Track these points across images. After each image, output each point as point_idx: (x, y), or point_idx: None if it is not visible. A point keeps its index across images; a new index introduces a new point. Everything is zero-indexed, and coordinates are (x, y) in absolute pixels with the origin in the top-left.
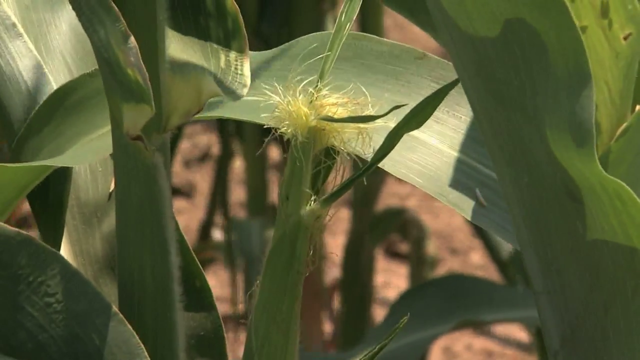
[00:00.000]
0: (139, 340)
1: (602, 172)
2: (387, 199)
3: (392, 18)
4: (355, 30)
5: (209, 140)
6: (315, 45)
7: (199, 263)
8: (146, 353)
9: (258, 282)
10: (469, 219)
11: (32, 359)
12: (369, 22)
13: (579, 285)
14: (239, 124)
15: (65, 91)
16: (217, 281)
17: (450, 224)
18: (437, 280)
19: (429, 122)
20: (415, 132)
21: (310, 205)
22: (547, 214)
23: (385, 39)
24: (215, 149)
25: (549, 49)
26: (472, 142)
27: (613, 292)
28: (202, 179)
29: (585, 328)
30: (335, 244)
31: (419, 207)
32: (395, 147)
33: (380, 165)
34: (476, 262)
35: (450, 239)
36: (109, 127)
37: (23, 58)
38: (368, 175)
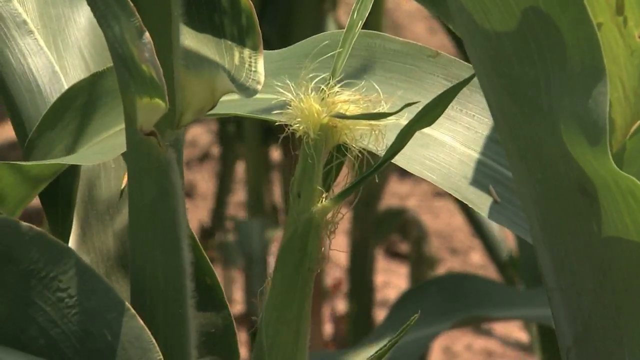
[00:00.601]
0: (151, 336)
1: (615, 169)
2: (387, 199)
3: (391, 18)
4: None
5: (209, 140)
6: (326, 43)
7: (209, 261)
8: (158, 348)
9: (268, 280)
10: (484, 215)
11: (44, 354)
12: (369, 21)
13: (590, 283)
14: (240, 125)
15: (75, 91)
16: None
17: (450, 224)
18: (437, 279)
19: (442, 119)
20: (428, 130)
21: (321, 202)
22: (561, 211)
23: (397, 37)
24: (216, 149)
25: (565, 44)
26: (485, 139)
27: (625, 291)
28: (202, 179)
29: (596, 326)
30: (335, 243)
31: (419, 207)
32: (409, 144)
33: (394, 161)
34: (476, 262)
35: (450, 239)
36: (119, 127)
37: (34, 55)
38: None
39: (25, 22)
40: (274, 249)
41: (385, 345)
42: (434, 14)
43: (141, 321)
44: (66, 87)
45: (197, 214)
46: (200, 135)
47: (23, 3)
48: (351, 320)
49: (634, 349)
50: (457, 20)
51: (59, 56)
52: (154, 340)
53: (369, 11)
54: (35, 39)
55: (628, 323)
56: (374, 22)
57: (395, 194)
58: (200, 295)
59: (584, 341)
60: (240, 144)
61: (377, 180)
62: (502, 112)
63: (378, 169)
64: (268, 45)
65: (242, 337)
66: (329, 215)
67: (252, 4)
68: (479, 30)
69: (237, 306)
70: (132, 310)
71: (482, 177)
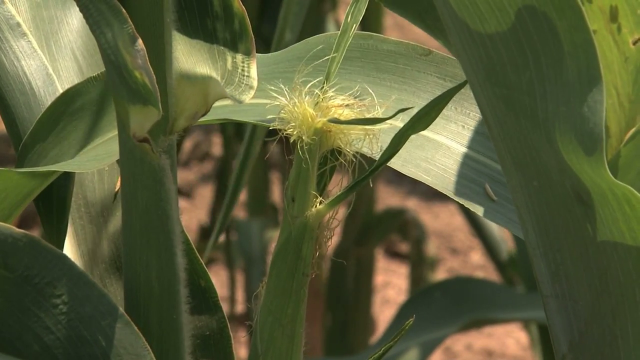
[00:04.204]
0: (146, 342)
1: (611, 178)
2: (387, 199)
3: (392, 18)
4: (356, 31)
5: (209, 140)
6: (321, 46)
7: (203, 263)
8: (152, 355)
9: (263, 283)
10: (480, 214)
11: None
12: (369, 22)
13: (587, 290)
14: (239, 125)
15: (70, 96)
16: (217, 281)
17: (450, 224)
18: (441, 284)
19: (437, 119)
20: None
21: (316, 206)
22: (557, 218)
23: (390, 37)
24: (216, 149)
25: (561, 51)
26: (481, 138)
27: (621, 298)
28: (202, 179)
29: (593, 333)
30: (334, 244)
31: (419, 207)
32: (404, 146)
33: (388, 163)
34: (476, 262)
35: (450, 239)
36: (113, 133)
37: (27, 58)
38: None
39: (18, 24)
40: (272, 249)
41: (380, 350)
42: (421, 28)
43: (135, 327)
44: (60, 90)
45: (196, 214)
46: (200, 136)
47: (16, 5)
48: (326, 331)
49: (630, 356)
50: (449, 31)
51: (52, 59)
52: (148, 347)
53: (362, 14)
54: (29, 41)
55: (624, 329)
56: (374, 22)
57: (395, 194)
58: (195, 298)
59: (579, 348)
60: (239, 143)
61: (371, 185)
62: (497, 121)
63: (373, 173)
64: (268, 46)
65: (242, 337)
66: (325, 219)
67: (244, 8)
68: (473, 38)
69: (238, 306)
70: (127, 317)
71: (478, 175)
